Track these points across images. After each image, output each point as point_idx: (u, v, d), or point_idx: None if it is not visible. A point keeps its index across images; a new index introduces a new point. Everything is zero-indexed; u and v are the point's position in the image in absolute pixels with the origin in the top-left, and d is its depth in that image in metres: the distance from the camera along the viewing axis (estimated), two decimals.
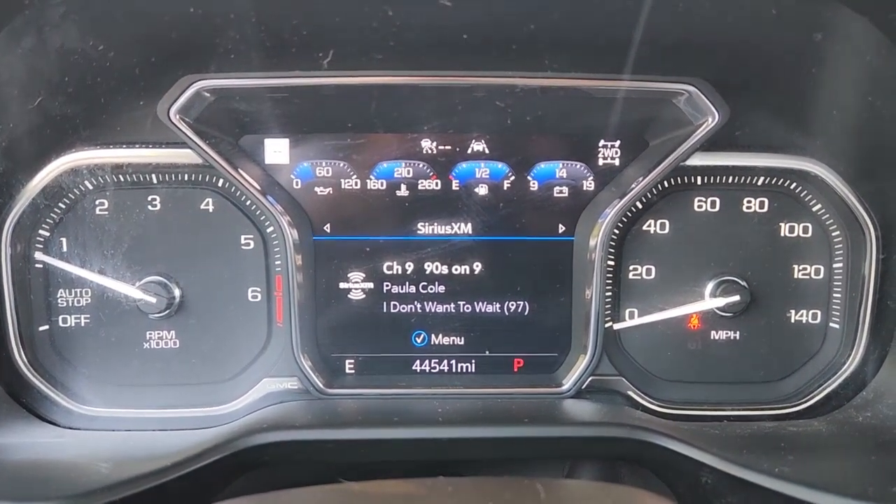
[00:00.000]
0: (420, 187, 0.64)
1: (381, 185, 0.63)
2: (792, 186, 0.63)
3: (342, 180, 0.63)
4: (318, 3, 0.52)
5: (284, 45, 0.55)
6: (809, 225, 0.64)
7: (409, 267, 0.65)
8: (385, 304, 0.65)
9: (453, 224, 0.64)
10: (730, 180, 0.63)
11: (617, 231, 0.63)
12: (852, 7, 0.50)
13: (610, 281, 0.63)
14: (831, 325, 0.64)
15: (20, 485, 0.47)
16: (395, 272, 0.65)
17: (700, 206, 0.64)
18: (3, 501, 0.48)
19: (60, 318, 0.63)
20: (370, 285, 0.65)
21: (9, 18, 0.41)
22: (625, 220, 0.63)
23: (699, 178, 0.63)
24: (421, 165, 0.63)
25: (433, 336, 0.65)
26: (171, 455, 0.46)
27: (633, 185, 0.62)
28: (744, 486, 0.45)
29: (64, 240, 0.62)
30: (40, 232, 0.61)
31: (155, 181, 0.62)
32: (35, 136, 0.59)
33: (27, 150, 0.59)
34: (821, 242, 0.64)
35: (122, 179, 0.62)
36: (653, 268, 0.64)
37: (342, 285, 0.64)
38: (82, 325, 0.63)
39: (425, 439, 0.51)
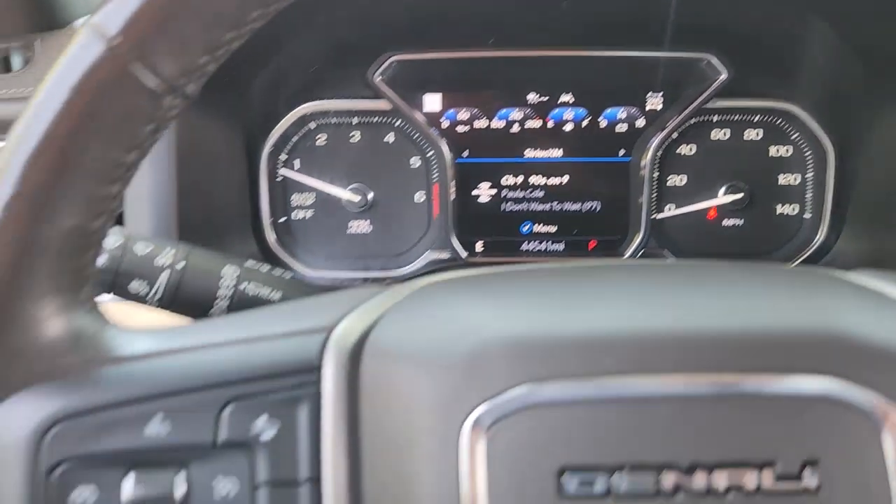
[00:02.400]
0: (527, 125, 0.96)
1: (502, 124, 0.96)
2: (779, 122, 0.94)
3: (475, 121, 0.96)
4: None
5: (459, 28, 0.88)
6: (790, 147, 0.94)
7: (520, 179, 0.97)
8: (503, 204, 0.97)
9: (549, 150, 0.97)
10: (736, 117, 0.94)
11: (660, 153, 0.95)
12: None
13: (655, 187, 0.96)
14: (805, 215, 0.95)
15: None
16: (510, 183, 0.97)
17: (716, 136, 0.95)
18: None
19: (293, 213, 0.97)
20: (493, 192, 0.97)
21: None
22: (665, 145, 0.95)
23: (715, 116, 0.94)
24: (528, 110, 0.96)
25: (535, 225, 0.98)
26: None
27: (671, 122, 0.94)
28: None
29: (297, 160, 0.96)
30: (281, 156, 0.96)
31: (355, 122, 0.95)
32: (285, 91, 0.93)
33: (281, 100, 0.93)
34: (798, 159, 0.94)
35: (335, 121, 0.95)
36: (685, 177, 0.96)
37: (474, 192, 0.97)
38: (308, 217, 0.97)
39: None
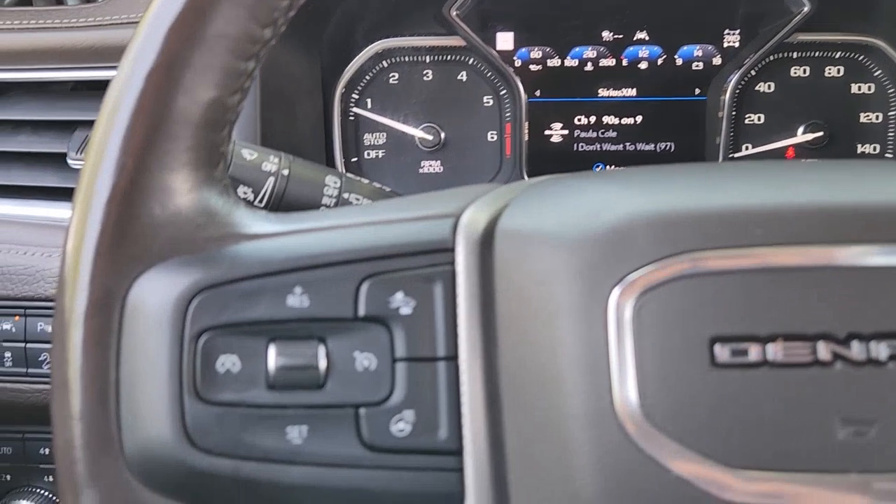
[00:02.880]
0: (601, 64, 0.95)
1: (575, 63, 0.95)
2: (861, 58, 0.92)
3: (548, 60, 0.95)
4: None
5: None
6: (872, 84, 0.93)
7: (593, 119, 0.96)
8: (575, 144, 0.96)
9: (623, 89, 0.96)
10: (816, 54, 0.92)
11: (737, 91, 0.94)
12: None
13: (732, 126, 0.94)
14: (886, 154, 0.94)
15: None
16: (582, 123, 0.96)
17: (795, 73, 0.93)
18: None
19: (365, 152, 0.97)
20: (566, 132, 0.96)
21: None
22: (742, 83, 0.94)
23: (795, 53, 0.92)
24: (602, 49, 0.95)
25: (608, 166, 0.97)
26: None
27: (748, 59, 0.92)
28: None
29: (369, 99, 0.95)
30: (354, 95, 0.96)
31: (428, 60, 0.95)
32: (361, 27, 0.92)
33: (357, 36, 0.93)
34: (880, 97, 0.93)
35: (408, 59, 0.95)
36: (762, 116, 0.95)
37: (546, 132, 0.97)
38: (380, 157, 0.97)
39: None
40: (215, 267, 0.40)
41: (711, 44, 0.93)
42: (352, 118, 0.95)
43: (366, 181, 0.62)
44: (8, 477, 0.85)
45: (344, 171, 0.95)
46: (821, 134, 0.92)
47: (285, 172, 0.58)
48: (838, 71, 0.92)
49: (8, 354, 0.76)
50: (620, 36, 0.94)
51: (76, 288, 0.39)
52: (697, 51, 0.93)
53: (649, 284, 0.38)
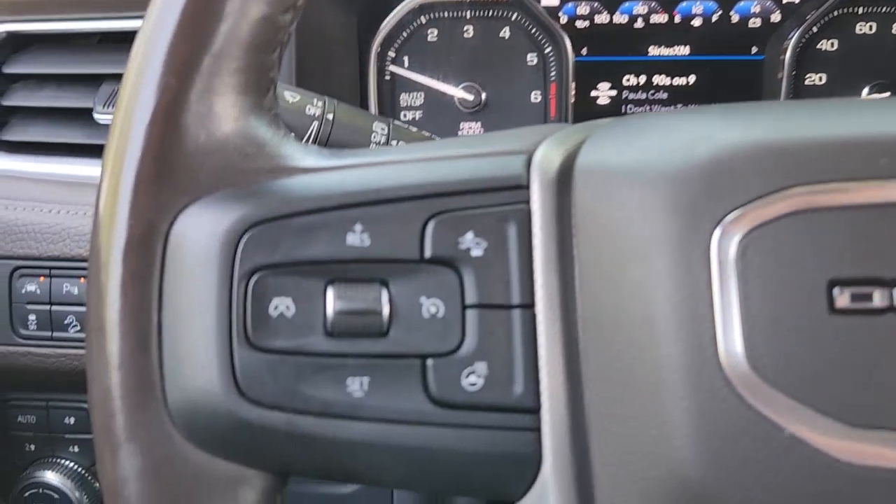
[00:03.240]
0: (651, 20, 0.90)
1: (624, 19, 0.90)
2: None
3: (595, 16, 0.90)
4: None
5: None
6: None
7: (642, 79, 0.91)
8: (623, 105, 0.92)
9: (675, 47, 0.91)
10: (883, 9, 0.87)
11: (798, 50, 0.89)
12: None
13: (791, 87, 0.89)
14: None
15: None
16: (631, 83, 0.92)
17: (860, 30, 0.88)
18: None
19: (402, 113, 0.93)
20: (613, 92, 0.92)
21: None
22: (803, 41, 0.89)
23: (860, 8, 0.87)
24: (653, 4, 0.90)
25: None
26: None
27: (810, 16, 0.87)
28: None
29: (407, 57, 0.91)
30: (390, 53, 0.91)
31: (469, 16, 0.90)
32: None
33: None
34: None
35: (446, 15, 0.90)
36: (824, 76, 0.90)
37: (593, 93, 0.92)
38: (417, 118, 0.93)
39: None
40: (267, 201, 0.36)
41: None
42: (388, 77, 0.91)
43: (415, 129, 0.58)
44: (32, 447, 0.82)
45: None
46: (887, 95, 0.87)
47: (330, 117, 0.54)
48: None
49: (32, 317, 0.73)
50: None
51: (114, 222, 0.35)
52: (755, 6, 0.89)
53: (757, 222, 0.34)
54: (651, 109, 0.91)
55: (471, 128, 0.92)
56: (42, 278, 0.72)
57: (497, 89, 0.91)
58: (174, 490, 0.35)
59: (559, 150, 0.39)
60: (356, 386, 0.35)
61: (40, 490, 0.77)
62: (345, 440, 0.35)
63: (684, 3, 0.89)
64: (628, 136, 0.39)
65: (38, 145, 0.77)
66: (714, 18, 0.89)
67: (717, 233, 0.34)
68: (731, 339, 0.33)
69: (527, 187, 0.37)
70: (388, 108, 0.91)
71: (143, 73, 0.35)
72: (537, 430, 0.36)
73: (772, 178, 0.34)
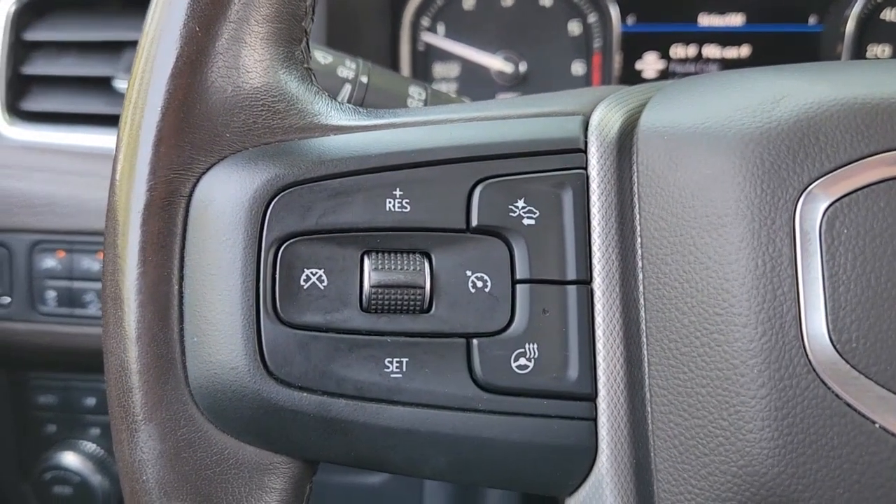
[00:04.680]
0: None
1: None
2: None
3: None
4: None
5: None
6: None
7: (692, 50, 0.88)
8: (671, 78, 0.89)
9: (728, 16, 0.87)
10: None
11: (861, 20, 0.85)
12: None
13: (854, 59, 0.85)
14: None
15: None
16: (680, 55, 0.88)
17: None
18: None
19: (435, 84, 0.90)
20: (661, 65, 0.88)
21: None
22: (867, 11, 0.85)
23: None
24: None
25: None
26: None
27: None
28: None
29: (441, 25, 0.88)
30: (424, 20, 0.88)
31: None
32: None
33: None
34: None
35: None
36: (887, 47, 0.85)
37: (639, 65, 0.89)
38: (454, 91, 0.90)
39: None
40: (299, 161, 0.33)
41: None
42: (422, 48, 0.88)
43: (454, 95, 0.55)
44: (54, 428, 0.80)
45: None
46: None
47: (364, 80, 0.52)
48: None
49: (52, 293, 0.72)
50: None
51: (132, 184, 0.33)
52: None
53: (845, 190, 0.31)
54: None
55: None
56: (62, 253, 0.71)
57: (537, 61, 0.88)
58: (196, 476, 0.33)
59: (620, 111, 0.36)
60: (394, 367, 0.33)
61: (60, 472, 0.76)
62: (381, 426, 0.33)
63: None
64: (699, 95, 0.36)
65: (57, 115, 0.76)
66: None
67: (801, 201, 0.31)
68: (815, 321, 0.30)
69: (584, 151, 0.35)
70: (423, 79, 0.88)
71: (166, 20, 0.33)
72: (593, 419, 0.33)
73: (863, 142, 0.31)
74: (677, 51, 0.87)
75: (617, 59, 0.86)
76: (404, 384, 0.33)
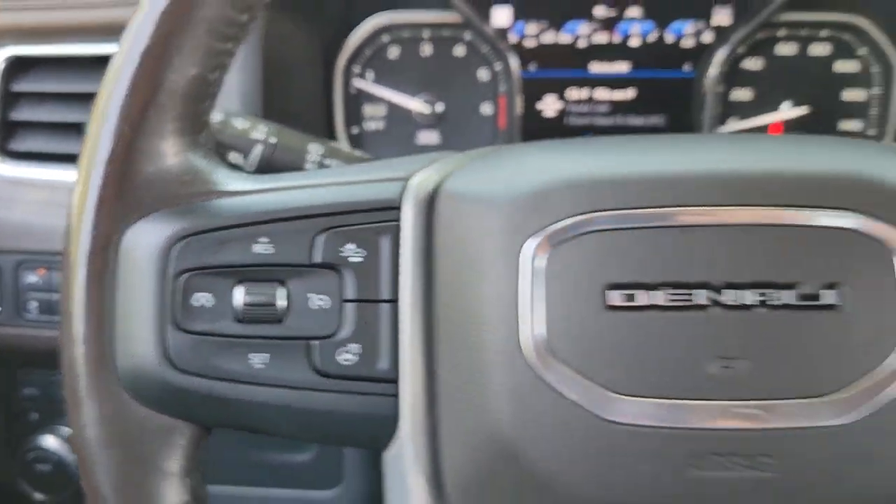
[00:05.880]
0: (593, 39, 1.02)
1: (569, 38, 1.02)
2: (846, 37, 0.98)
3: (542, 34, 1.02)
4: None
5: None
6: (857, 63, 0.98)
7: (585, 93, 1.03)
8: (567, 118, 1.03)
9: (615, 64, 1.02)
10: (802, 32, 0.98)
11: (725, 68, 1.00)
12: None
13: (719, 101, 1.00)
14: (868, 131, 0.99)
15: None
16: (575, 97, 1.03)
17: (782, 51, 0.99)
18: None
19: (365, 123, 1.05)
20: (559, 105, 1.04)
21: None
22: (730, 60, 1.00)
23: (782, 30, 0.98)
24: (595, 24, 1.01)
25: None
26: None
27: (735, 35, 0.98)
28: None
29: (370, 72, 1.03)
30: (355, 68, 1.04)
31: (426, 35, 1.02)
32: (359, 3, 1.01)
33: (355, 12, 1.00)
34: (864, 76, 0.98)
35: (407, 35, 1.02)
36: (748, 92, 1.01)
37: (539, 105, 1.04)
38: (380, 129, 1.05)
39: None
40: (195, 218, 0.49)
41: (703, 20, 0.99)
42: (353, 91, 1.04)
43: (347, 149, 0.71)
44: (36, 415, 0.96)
45: (347, 141, 1.04)
46: (805, 110, 0.98)
47: (273, 140, 0.67)
48: (824, 49, 0.98)
49: (34, 304, 0.87)
50: (613, 12, 1.00)
51: (80, 234, 0.48)
52: (688, 27, 1.00)
53: (560, 239, 0.46)
54: (593, 121, 1.03)
55: (428, 137, 1.04)
56: (42, 270, 0.86)
57: (452, 102, 1.03)
58: (124, 434, 0.48)
59: (434, 176, 0.51)
60: (257, 360, 0.48)
61: (41, 453, 0.92)
62: (249, 401, 0.48)
63: (623, 24, 1.00)
64: (485, 167, 0.51)
65: (39, 154, 0.91)
66: (650, 38, 1.00)
67: (531, 247, 0.46)
68: (537, 329, 0.45)
69: (399, 208, 0.50)
70: (354, 119, 1.04)
71: (104, 122, 0.48)
72: (396, 395, 0.48)
73: (573, 206, 0.46)
74: (572, 93, 1.02)
75: (519, 101, 1.01)
76: (265, 372, 0.48)
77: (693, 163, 0.47)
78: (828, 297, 0.44)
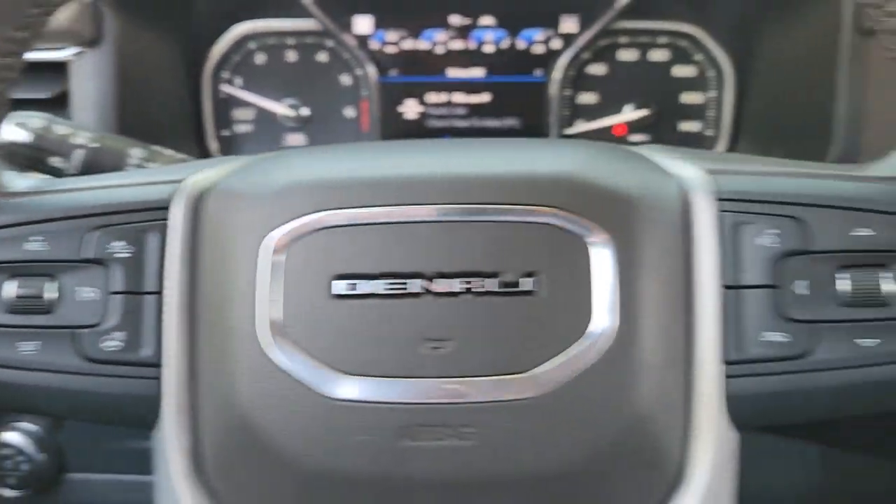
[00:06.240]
0: (450, 46, 1.07)
1: (427, 45, 1.07)
2: (682, 44, 1.04)
3: (402, 41, 1.07)
4: None
5: None
6: (694, 68, 1.05)
7: (443, 97, 1.09)
8: (427, 121, 1.08)
9: (470, 69, 1.08)
10: (642, 39, 1.04)
11: (571, 73, 1.06)
12: None
13: (566, 104, 1.07)
14: (706, 132, 1.06)
15: None
16: (433, 101, 1.09)
17: (624, 57, 1.05)
18: None
19: (235, 126, 1.10)
20: (419, 109, 1.09)
21: None
22: (576, 65, 1.06)
23: (623, 38, 1.04)
24: (451, 32, 1.07)
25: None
26: None
27: (578, 41, 1.04)
28: None
29: (238, 78, 1.08)
30: (224, 74, 1.09)
31: (290, 42, 1.07)
32: (225, 9, 1.05)
33: (220, 19, 1.05)
34: (700, 79, 1.05)
35: (272, 42, 1.07)
36: (594, 96, 1.07)
37: (400, 109, 1.09)
38: (249, 132, 1.10)
39: None
40: None
41: (550, 28, 1.05)
42: (223, 96, 1.08)
43: (170, 153, 0.75)
44: None
45: (217, 142, 1.09)
46: (646, 112, 1.04)
47: (94, 145, 0.72)
48: (663, 55, 1.04)
49: None
50: (469, 21, 1.06)
51: None
52: (538, 35, 1.06)
53: (296, 234, 0.51)
54: (452, 124, 1.08)
55: (295, 139, 1.09)
56: None
57: (317, 106, 1.08)
58: None
59: (214, 175, 0.56)
60: (29, 348, 0.53)
61: (4, 450, 0.94)
62: (24, 384, 0.53)
63: (477, 31, 1.06)
64: (259, 168, 0.56)
65: None
66: (503, 45, 1.06)
67: (268, 241, 0.51)
68: (274, 315, 0.50)
69: (167, 209, 0.55)
70: (224, 123, 1.09)
71: None
72: (158, 378, 0.53)
73: (304, 206, 0.51)
74: (431, 97, 1.08)
75: (379, 105, 1.07)
76: (35, 358, 0.53)
77: (415, 166, 0.53)
78: (526, 284, 0.50)
